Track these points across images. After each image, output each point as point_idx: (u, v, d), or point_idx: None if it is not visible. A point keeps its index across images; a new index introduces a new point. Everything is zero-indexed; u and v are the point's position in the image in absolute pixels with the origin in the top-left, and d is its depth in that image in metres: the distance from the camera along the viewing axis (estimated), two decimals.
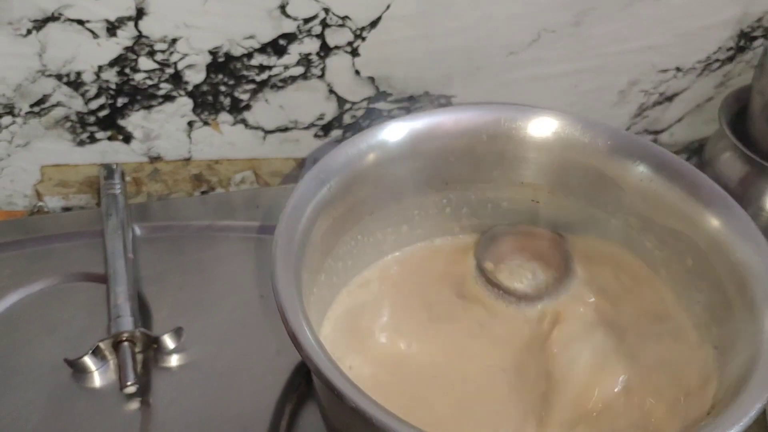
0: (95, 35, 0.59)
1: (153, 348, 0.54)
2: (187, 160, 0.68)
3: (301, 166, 0.71)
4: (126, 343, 0.53)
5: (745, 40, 0.70)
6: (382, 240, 0.55)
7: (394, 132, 0.52)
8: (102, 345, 0.53)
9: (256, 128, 0.67)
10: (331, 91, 0.66)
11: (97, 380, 0.53)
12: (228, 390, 0.53)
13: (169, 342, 0.54)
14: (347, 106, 0.67)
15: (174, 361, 0.55)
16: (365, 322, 0.51)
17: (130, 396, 0.52)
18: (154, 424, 0.51)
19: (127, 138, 0.66)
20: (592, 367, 0.49)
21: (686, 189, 0.52)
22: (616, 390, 0.48)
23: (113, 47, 0.60)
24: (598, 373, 0.48)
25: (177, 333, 0.54)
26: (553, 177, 0.55)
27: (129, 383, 0.51)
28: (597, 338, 0.50)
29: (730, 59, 0.71)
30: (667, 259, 0.53)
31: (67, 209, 0.69)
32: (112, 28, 0.59)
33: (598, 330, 0.51)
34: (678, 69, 0.70)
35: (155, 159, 0.67)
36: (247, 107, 0.65)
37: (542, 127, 0.54)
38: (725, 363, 0.46)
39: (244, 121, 0.66)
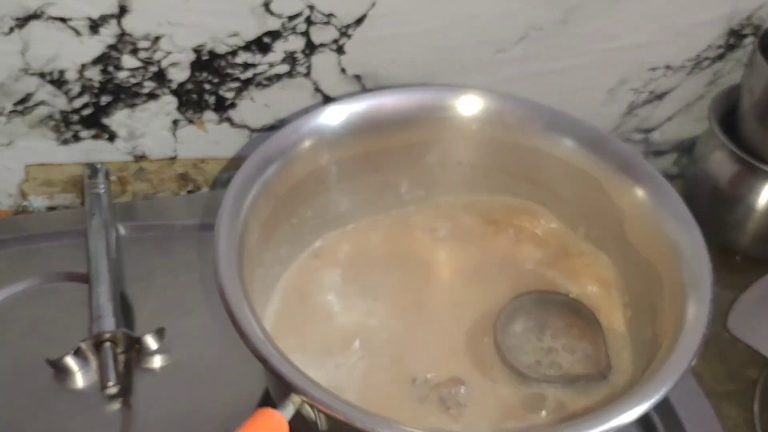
0: (78, 33, 0.58)
1: (135, 348, 0.54)
2: (173, 159, 0.68)
3: None
4: (107, 344, 0.53)
5: (735, 38, 0.69)
6: (324, 218, 0.55)
7: (334, 115, 0.53)
8: (83, 345, 0.53)
9: (242, 127, 0.67)
10: (317, 89, 0.65)
11: (79, 381, 0.53)
12: (210, 391, 0.53)
13: (151, 342, 0.54)
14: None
15: (156, 361, 0.54)
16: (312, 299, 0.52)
17: (112, 396, 0.52)
18: (136, 425, 0.51)
19: (112, 137, 0.65)
20: None
21: (616, 164, 0.52)
22: None
23: (96, 45, 0.59)
24: None
25: (159, 333, 0.54)
26: (487, 156, 0.56)
27: (110, 383, 0.50)
28: None
29: (720, 57, 0.70)
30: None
31: (51, 209, 0.69)
32: (94, 26, 0.58)
33: None
34: (668, 67, 0.70)
35: (140, 158, 0.67)
36: (233, 105, 0.65)
37: (473, 105, 0.55)
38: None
39: (229, 120, 0.66)
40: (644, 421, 0.55)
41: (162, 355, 0.54)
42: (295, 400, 0.38)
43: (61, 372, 0.53)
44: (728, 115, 0.68)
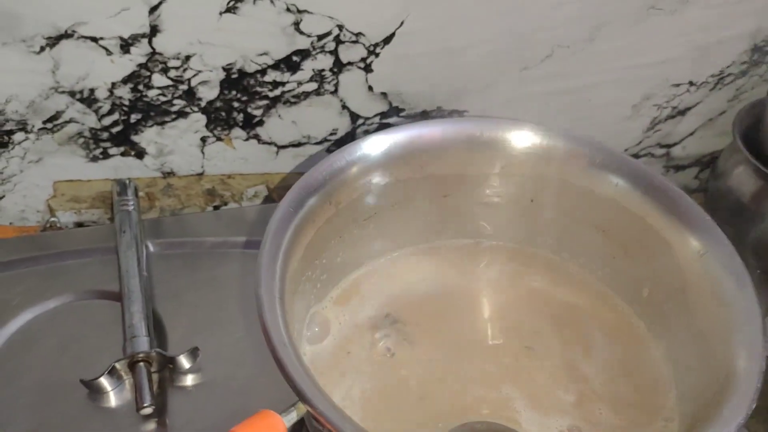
0: (109, 52, 0.59)
1: (168, 368, 0.54)
2: (200, 175, 0.68)
3: None
4: (142, 364, 0.53)
5: (758, 54, 0.69)
6: (365, 249, 0.55)
7: (375, 145, 0.52)
8: (118, 365, 0.53)
9: (269, 143, 0.67)
10: (344, 107, 0.65)
11: (113, 400, 0.53)
12: (244, 409, 0.52)
13: (184, 362, 0.54)
14: (360, 121, 0.67)
15: (189, 380, 0.54)
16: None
17: (147, 417, 0.52)
18: None
19: (140, 154, 0.65)
20: None
21: (666, 207, 0.51)
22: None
23: (127, 64, 0.60)
24: None
25: (193, 353, 0.54)
26: (531, 190, 0.55)
27: (146, 404, 0.51)
28: None
29: (744, 73, 0.70)
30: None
31: (79, 224, 0.69)
32: (125, 45, 0.58)
33: None
34: (691, 83, 0.70)
35: (168, 174, 0.67)
36: (260, 123, 0.65)
37: (522, 139, 0.54)
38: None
39: (257, 137, 0.66)
40: None
41: (195, 375, 0.55)
42: (300, 408, 0.38)
43: (95, 392, 0.53)
44: (751, 129, 0.68)
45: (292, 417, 0.38)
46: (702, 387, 0.42)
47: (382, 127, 0.67)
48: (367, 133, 0.67)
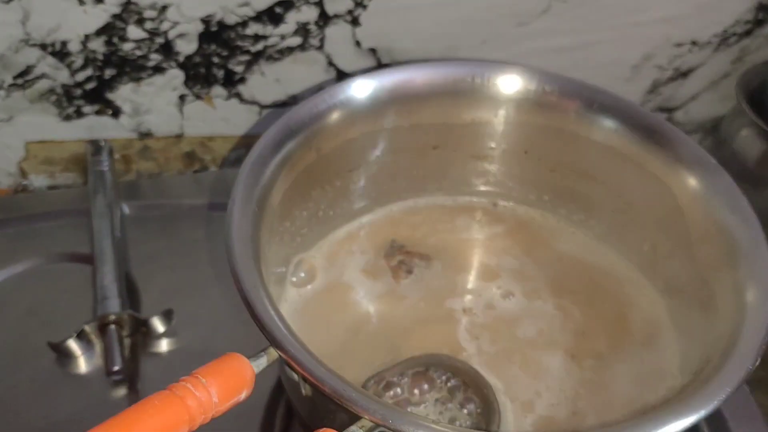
0: (81, 2, 0.55)
1: (141, 331, 0.51)
2: (179, 136, 0.65)
3: None
4: (113, 326, 0.50)
5: (763, 13, 0.66)
6: (348, 202, 0.52)
7: (360, 88, 0.49)
8: (87, 328, 0.50)
9: (252, 103, 0.64)
10: (331, 63, 0.62)
11: (83, 365, 0.51)
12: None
13: (158, 325, 0.51)
14: (347, 79, 0.63)
15: (164, 345, 0.52)
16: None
17: (117, 381, 0.49)
18: None
19: (116, 112, 0.62)
20: None
21: (663, 147, 0.48)
22: None
23: (100, 15, 0.56)
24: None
25: (167, 315, 0.51)
26: (525, 141, 0.51)
27: (115, 368, 0.48)
28: None
29: (748, 33, 0.68)
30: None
31: (53, 188, 0.66)
32: None
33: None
34: (694, 43, 0.67)
35: (145, 135, 0.64)
36: (242, 80, 0.62)
37: (513, 83, 0.50)
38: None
39: (238, 95, 0.63)
40: None
41: (169, 339, 0.52)
42: (272, 353, 0.36)
43: (64, 356, 0.50)
44: (756, 93, 0.66)
45: (262, 362, 0.35)
46: (706, 343, 0.40)
47: None
48: None
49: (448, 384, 0.41)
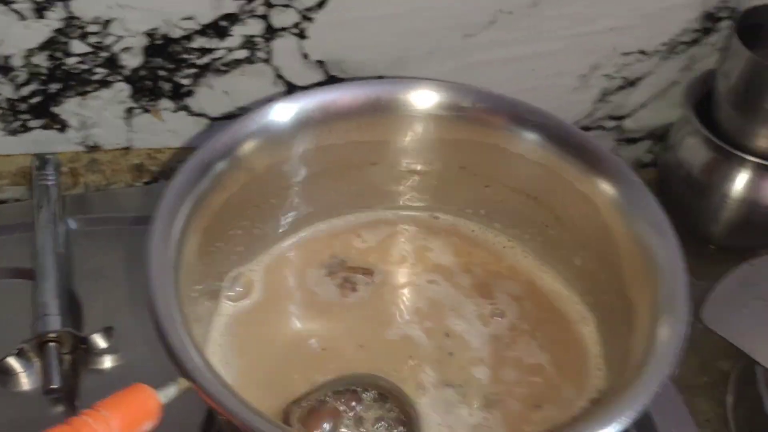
0: (22, 17, 0.55)
1: (82, 348, 0.51)
2: (127, 149, 0.65)
3: None
4: (52, 344, 0.50)
5: (710, 21, 0.67)
6: (261, 233, 0.51)
7: (281, 113, 0.48)
8: (26, 346, 0.50)
9: (200, 115, 0.64)
10: (279, 76, 0.62)
11: (23, 383, 0.50)
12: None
13: (98, 342, 0.51)
14: (296, 92, 0.64)
15: (105, 362, 0.51)
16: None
17: (57, 399, 0.49)
18: None
19: (62, 126, 0.62)
20: None
21: (585, 162, 0.48)
22: None
23: (42, 29, 0.56)
24: None
25: (106, 332, 0.51)
26: (440, 153, 0.52)
27: (53, 386, 0.48)
28: None
29: (695, 42, 0.68)
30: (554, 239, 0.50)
31: (1, 202, 0.65)
32: (40, 9, 0.55)
33: None
34: (641, 52, 0.68)
35: (92, 148, 0.64)
36: (190, 93, 0.62)
37: (427, 98, 0.50)
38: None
39: (186, 108, 0.63)
40: None
41: (110, 356, 0.52)
42: (182, 383, 0.36)
43: (3, 374, 0.50)
44: (703, 101, 0.66)
45: (170, 392, 0.35)
46: (628, 358, 0.40)
47: None
48: None
49: (370, 403, 0.42)
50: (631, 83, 0.70)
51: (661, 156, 0.72)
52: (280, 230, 0.51)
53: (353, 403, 0.41)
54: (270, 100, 0.62)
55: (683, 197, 0.68)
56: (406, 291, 0.50)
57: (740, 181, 0.64)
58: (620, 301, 0.44)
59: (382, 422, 0.41)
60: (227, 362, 0.45)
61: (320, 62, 0.62)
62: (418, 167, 0.52)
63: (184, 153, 0.66)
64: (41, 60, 0.58)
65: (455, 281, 0.51)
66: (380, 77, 0.64)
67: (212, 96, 0.63)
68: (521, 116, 0.49)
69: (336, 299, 0.49)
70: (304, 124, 0.48)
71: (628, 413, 0.35)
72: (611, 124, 0.73)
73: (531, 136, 0.49)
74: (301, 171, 0.49)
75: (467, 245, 0.53)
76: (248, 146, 0.46)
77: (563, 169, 0.47)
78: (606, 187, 0.46)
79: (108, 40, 0.58)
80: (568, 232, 0.49)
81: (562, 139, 0.48)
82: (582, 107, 0.70)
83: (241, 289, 0.49)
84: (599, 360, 0.46)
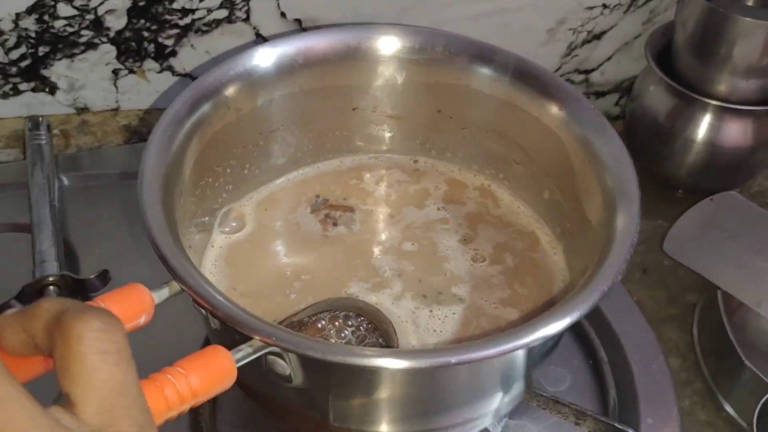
0: None
1: (80, 291, 0.54)
2: (115, 110, 0.67)
3: None
4: (51, 288, 0.52)
5: None
6: (251, 173, 0.54)
7: (263, 57, 0.50)
8: (27, 289, 0.52)
9: (184, 75, 0.66)
10: (258, 35, 0.65)
11: None
12: (157, 335, 0.52)
13: (96, 285, 0.54)
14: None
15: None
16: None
17: None
18: None
19: (52, 89, 0.64)
20: None
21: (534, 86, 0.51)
22: None
23: None
24: None
25: (103, 276, 0.54)
26: (417, 98, 0.54)
27: None
28: None
29: None
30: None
31: None
32: None
33: None
34: (605, 6, 0.71)
35: (82, 110, 0.66)
36: (173, 53, 0.65)
37: (395, 43, 0.52)
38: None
39: (170, 68, 0.66)
40: (587, 347, 0.56)
41: None
42: (173, 286, 0.37)
43: None
44: (665, 52, 0.69)
45: (163, 293, 0.37)
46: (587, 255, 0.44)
47: None
48: None
49: (348, 322, 0.45)
50: (596, 37, 0.73)
51: (628, 107, 0.75)
52: (269, 171, 0.54)
53: (332, 322, 0.44)
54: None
55: (649, 145, 0.71)
56: (382, 225, 0.53)
57: (703, 125, 0.67)
58: (582, 224, 0.47)
59: (359, 332, 0.44)
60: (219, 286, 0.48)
61: (297, 21, 0.65)
62: (396, 112, 0.55)
63: None
64: (29, 23, 0.60)
65: (435, 217, 0.54)
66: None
67: (195, 56, 0.65)
68: (483, 54, 0.52)
69: (318, 233, 0.52)
70: (286, 67, 0.50)
71: (592, 297, 0.37)
72: (579, 78, 0.76)
73: (487, 71, 0.52)
74: (284, 114, 0.52)
75: (447, 185, 0.56)
76: (233, 87, 0.48)
77: (518, 99, 0.51)
78: (554, 109, 0.49)
79: (93, 3, 0.60)
80: (535, 165, 0.52)
81: (517, 71, 0.51)
82: (551, 61, 0.73)
83: (235, 224, 0.52)
84: (565, 277, 0.50)
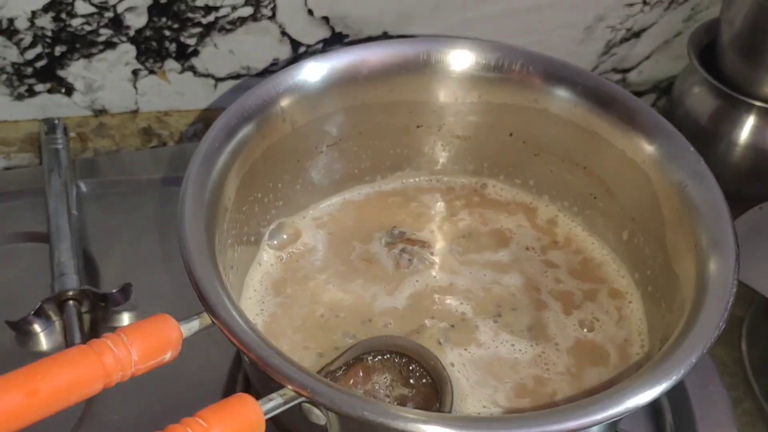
0: None
1: (101, 307, 0.51)
2: (134, 112, 0.64)
3: None
4: (71, 302, 0.50)
5: None
6: (304, 189, 0.51)
7: (312, 71, 0.47)
8: (45, 305, 0.50)
9: (206, 76, 0.63)
10: (284, 33, 0.62)
11: (43, 342, 0.51)
12: (182, 347, 0.50)
13: (117, 299, 0.51)
14: (302, 49, 0.63)
15: (124, 320, 0.52)
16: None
17: None
18: None
19: (69, 90, 0.62)
20: None
21: (620, 115, 0.47)
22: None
23: None
24: None
25: (125, 290, 0.51)
26: (478, 116, 0.51)
27: (75, 343, 0.48)
28: None
29: None
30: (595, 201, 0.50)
31: (8, 169, 0.65)
32: None
33: None
34: (645, 2, 0.68)
35: (100, 112, 0.64)
36: (195, 53, 0.62)
37: (464, 59, 0.49)
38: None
39: (192, 69, 0.63)
40: None
41: (129, 312, 0.52)
42: (204, 318, 0.35)
43: (23, 334, 0.50)
44: (707, 50, 0.66)
45: (193, 326, 0.35)
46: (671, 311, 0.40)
47: None
48: None
49: (395, 361, 0.41)
50: (635, 34, 0.70)
51: (667, 107, 0.72)
52: (323, 188, 0.51)
53: (376, 365, 0.41)
54: (275, 58, 0.63)
55: None
56: (456, 263, 0.50)
57: (747, 127, 0.64)
58: (668, 275, 0.43)
59: (407, 372, 0.41)
60: (262, 308, 0.46)
61: (325, 18, 0.62)
62: (464, 132, 0.52)
63: (191, 115, 0.66)
64: (45, 22, 0.57)
65: (513, 257, 0.50)
66: (414, 36, 0.64)
67: (217, 56, 0.62)
68: (565, 76, 0.48)
69: (389, 266, 0.49)
70: (347, 79, 0.47)
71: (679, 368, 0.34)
72: (616, 77, 0.73)
73: (567, 95, 0.48)
74: (343, 128, 0.49)
75: (520, 218, 0.53)
76: (288, 98, 0.45)
77: (600, 127, 0.47)
78: (643, 143, 0.45)
79: (112, 0, 0.57)
80: (617, 205, 0.48)
81: (602, 97, 0.47)
82: (588, 59, 0.70)
83: (286, 239, 0.49)
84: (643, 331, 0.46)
